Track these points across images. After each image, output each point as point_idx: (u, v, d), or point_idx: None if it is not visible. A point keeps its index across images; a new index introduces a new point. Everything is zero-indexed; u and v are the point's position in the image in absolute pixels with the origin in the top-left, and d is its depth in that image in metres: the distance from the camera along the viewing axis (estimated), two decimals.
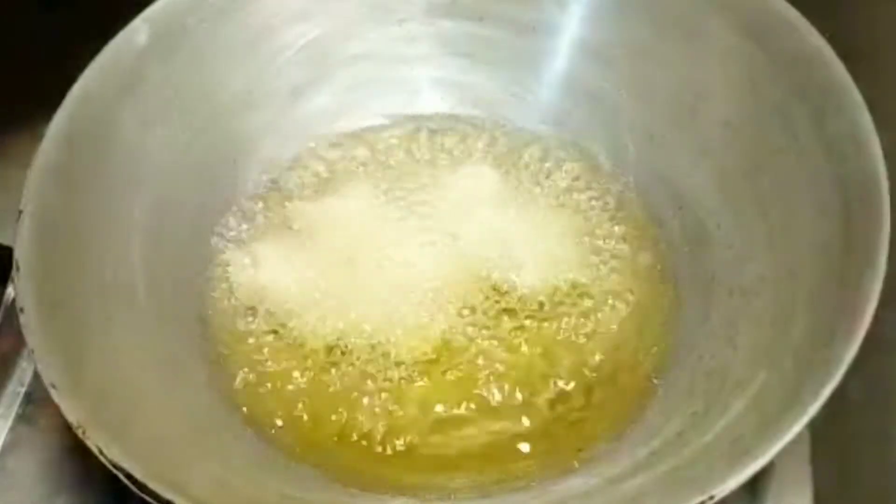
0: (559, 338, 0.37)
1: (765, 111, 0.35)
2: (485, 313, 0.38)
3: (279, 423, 0.35)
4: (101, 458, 0.27)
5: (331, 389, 0.36)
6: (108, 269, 0.34)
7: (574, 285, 0.38)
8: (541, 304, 0.38)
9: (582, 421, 0.35)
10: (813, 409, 0.27)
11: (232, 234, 0.40)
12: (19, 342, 0.40)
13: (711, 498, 0.26)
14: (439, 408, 0.36)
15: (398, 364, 0.36)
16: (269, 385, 0.36)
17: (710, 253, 0.37)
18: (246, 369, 0.37)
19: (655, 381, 0.36)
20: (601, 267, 0.39)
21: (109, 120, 0.35)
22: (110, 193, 0.35)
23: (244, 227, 0.41)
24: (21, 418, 0.39)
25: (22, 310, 0.29)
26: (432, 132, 0.43)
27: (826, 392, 0.27)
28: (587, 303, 0.38)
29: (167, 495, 0.26)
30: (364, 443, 0.35)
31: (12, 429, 0.39)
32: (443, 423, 0.35)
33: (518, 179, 0.42)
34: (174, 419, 0.32)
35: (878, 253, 0.29)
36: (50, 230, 0.32)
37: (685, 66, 0.38)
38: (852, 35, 0.34)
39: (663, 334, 0.37)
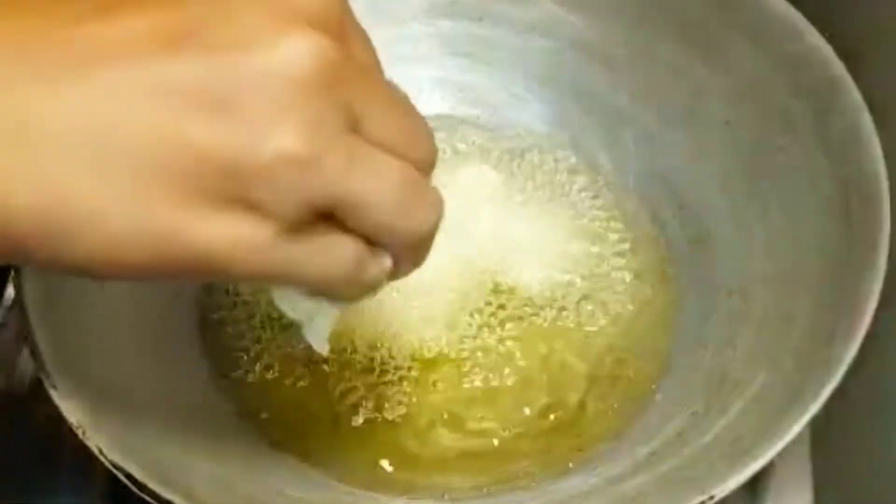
0: (559, 338, 0.37)
1: (765, 111, 0.35)
2: (484, 313, 0.37)
3: (279, 422, 0.35)
4: (101, 459, 0.27)
5: (331, 389, 0.36)
6: None
7: (574, 285, 0.38)
8: (540, 305, 0.38)
9: (581, 421, 0.35)
10: (813, 409, 0.27)
11: None
12: (19, 342, 0.40)
13: (711, 498, 0.26)
14: (438, 408, 0.35)
15: (398, 364, 0.36)
16: (269, 385, 0.36)
17: (710, 253, 0.37)
18: (247, 369, 0.37)
19: (655, 381, 0.36)
20: (601, 267, 0.39)
21: None
22: None
23: None
24: (21, 418, 0.39)
25: (22, 309, 0.29)
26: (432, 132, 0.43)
27: (826, 392, 0.27)
28: (587, 303, 0.38)
29: (167, 495, 0.26)
30: (364, 443, 0.35)
31: (12, 428, 0.39)
32: (442, 423, 0.35)
33: (518, 179, 0.42)
34: (174, 419, 0.32)
35: (878, 253, 0.29)
36: None
37: (685, 66, 0.38)
38: (852, 35, 0.34)
39: (663, 334, 0.37)
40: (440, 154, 0.43)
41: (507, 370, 0.36)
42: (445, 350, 0.37)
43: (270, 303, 0.38)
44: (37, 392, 0.39)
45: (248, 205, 0.20)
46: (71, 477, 0.37)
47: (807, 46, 0.34)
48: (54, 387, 0.28)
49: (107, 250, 0.20)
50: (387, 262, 0.24)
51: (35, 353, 0.29)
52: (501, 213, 0.41)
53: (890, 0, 0.38)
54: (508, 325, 0.37)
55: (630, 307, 0.38)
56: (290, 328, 0.37)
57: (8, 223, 0.19)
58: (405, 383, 0.36)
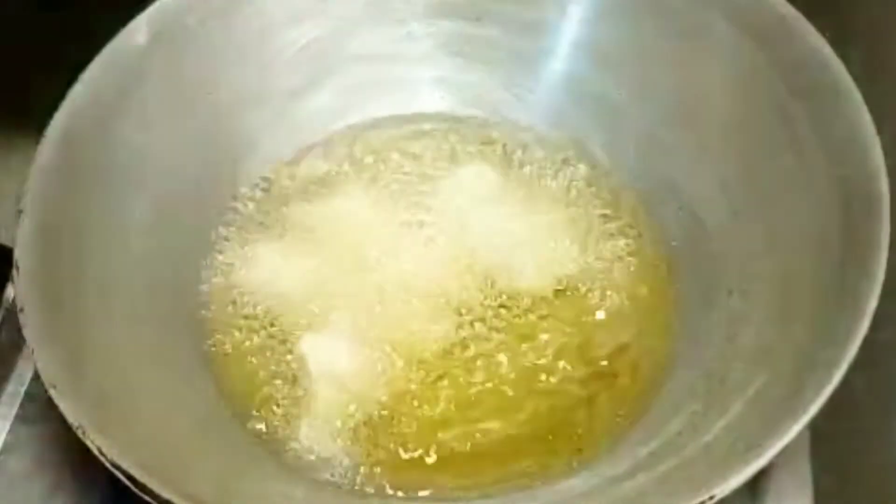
0: (559, 338, 0.37)
1: (765, 111, 0.35)
2: (484, 313, 0.38)
3: (279, 422, 0.35)
4: (101, 458, 0.27)
5: (331, 390, 0.36)
6: (108, 268, 0.34)
7: (574, 285, 0.38)
8: (540, 304, 0.38)
9: (582, 421, 0.35)
10: (813, 409, 0.27)
11: (231, 233, 0.40)
12: (19, 342, 0.40)
13: (711, 498, 0.26)
14: (439, 408, 0.35)
15: (397, 364, 0.36)
16: (269, 385, 0.36)
17: (710, 253, 0.37)
18: (246, 369, 0.37)
19: (655, 381, 0.36)
20: (601, 267, 0.39)
21: (109, 120, 0.35)
22: (110, 193, 0.35)
23: (244, 226, 0.41)
24: (21, 418, 0.39)
25: (22, 310, 0.29)
26: (432, 132, 0.43)
27: (826, 392, 0.27)
28: (587, 303, 0.38)
29: (167, 495, 0.26)
30: (363, 443, 0.35)
31: (12, 429, 0.39)
32: (442, 424, 0.35)
33: (518, 179, 0.42)
34: (174, 419, 0.32)
35: (878, 253, 0.29)
36: (50, 230, 0.32)
37: (685, 66, 0.38)
38: (852, 35, 0.34)
39: (663, 334, 0.37)
40: (440, 154, 0.44)
41: (506, 370, 0.36)
42: (445, 350, 0.37)
43: (270, 304, 0.38)
44: (37, 392, 0.39)
45: None
46: (71, 477, 0.38)
47: (807, 46, 0.34)
48: (54, 386, 0.28)
49: None
50: None
51: (34, 353, 0.29)
52: (501, 212, 0.41)
53: (890, 0, 0.38)
54: (508, 325, 0.37)
55: (630, 307, 0.38)
56: (290, 328, 0.38)
57: None
58: (404, 384, 0.36)
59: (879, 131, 0.31)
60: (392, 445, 0.35)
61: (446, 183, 0.42)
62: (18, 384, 0.40)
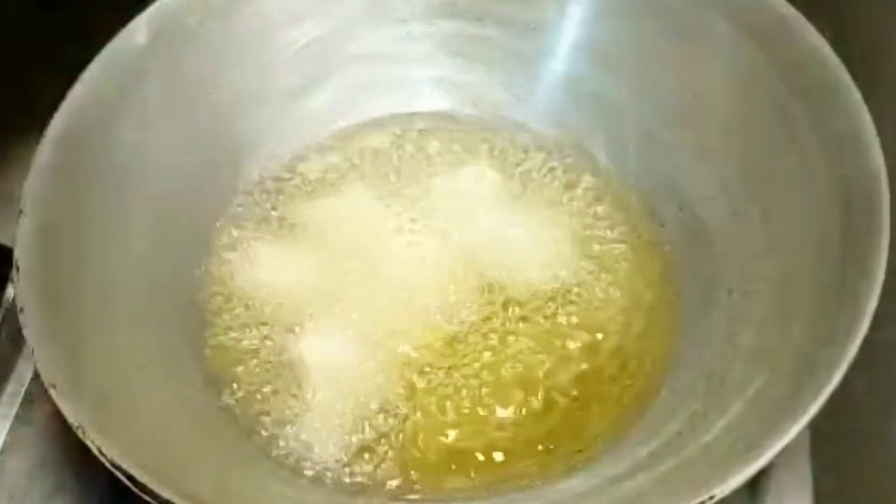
0: (559, 338, 0.37)
1: (765, 111, 0.35)
2: (484, 313, 0.38)
3: (278, 422, 0.35)
4: (101, 458, 0.27)
5: (331, 390, 0.36)
6: (107, 268, 0.34)
7: (574, 285, 0.38)
8: (540, 304, 0.38)
9: (582, 421, 0.35)
10: (813, 409, 0.27)
11: (231, 233, 0.40)
12: (19, 342, 0.40)
13: (711, 498, 0.26)
14: (438, 408, 0.35)
15: (396, 364, 0.36)
16: (269, 385, 0.36)
17: (710, 253, 0.37)
18: (246, 369, 0.37)
19: (655, 381, 0.36)
20: (601, 267, 0.39)
21: (109, 120, 0.35)
22: (110, 193, 0.35)
23: (244, 226, 0.41)
24: (21, 418, 0.39)
25: (22, 310, 0.29)
26: (432, 132, 0.43)
27: (826, 392, 0.27)
28: (587, 303, 0.38)
29: (166, 495, 0.26)
30: (363, 443, 0.35)
31: (12, 429, 0.39)
32: (442, 424, 0.35)
33: (518, 179, 0.42)
34: (174, 419, 0.32)
35: (877, 253, 0.29)
36: (50, 230, 0.32)
37: (685, 66, 0.38)
38: (852, 35, 0.34)
39: (663, 334, 0.37)
40: (440, 154, 0.44)
41: (506, 370, 0.36)
42: (445, 350, 0.37)
43: (270, 303, 0.38)
44: (37, 392, 0.39)
45: None
46: (71, 477, 0.38)
47: (807, 47, 0.34)
48: (54, 386, 0.28)
49: None
50: None
51: (34, 353, 0.29)
52: (501, 212, 0.41)
53: (890, 0, 0.38)
54: (508, 325, 0.37)
55: (630, 307, 0.38)
56: (289, 328, 0.38)
57: None
58: (403, 384, 0.36)
59: (879, 131, 0.31)
60: (391, 446, 0.35)
61: (446, 183, 0.42)
62: (18, 384, 0.40)
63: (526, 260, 0.39)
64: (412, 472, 0.34)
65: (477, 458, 0.35)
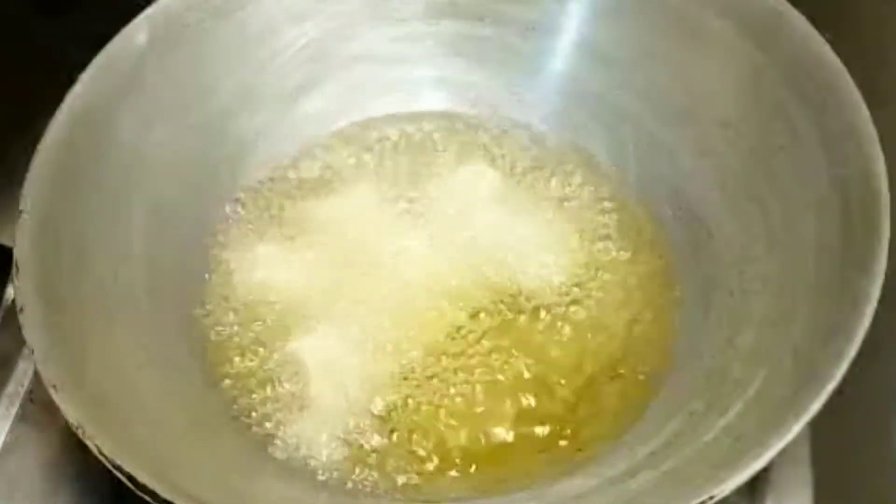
0: (559, 338, 0.37)
1: (765, 111, 0.35)
2: (484, 313, 0.38)
3: (278, 422, 0.35)
4: (101, 458, 0.27)
5: (331, 389, 0.36)
6: (107, 269, 0.34)
7: (574, 285, 0.38)
8: (540, 304, 0.38)
9: (582, 421, 0.35)
10: (813, 408, 0.27)
11: (231, 233, 0.40)
12: (19, 342, 0.40)
13: (711, 498, 0.26)
14: (438, 409, 0.35)
15: (397, 364, 0.36)
16: (268, 384, 0.36)
17: (710, 253, 0.37)
18: (246, 368, 0.37)
19: (655, 381, 0.36)
20: (600, 267, 0.39)
21: (109, 120, 0.35)
22: (110, 193, 0.35)
23: (243, 226, 0.41)
24: (21, 418, 0.39)
25: (22, 310, 0.29)
26: (432, 132, 0.43)
27: (826, 392, 0.27)
28: (587, 302, 0.38)
29: (166, 495, 0.26)
30: (363, 443, 0.35)
31: (12, 429, 0.39)
32: (441, 424, 0.35)
33: (518, 179, 0.42)
34: (174, 419, 0.32)
35: (877, 253, 0.29)
36: (50, 230, 0.32)
37: (685, 66, 0.38)
38: (853, 35, 0.34)
39: (663, 334, 0.37)
40: (440, 154, 0.44)
41: (506, 369, 0.36)
42: (445, 350, 0.37)
43: (270, 303, 0.38)
44: (37, 392, 0.39)
45: None
46: (71, 477, 0.38)
47: (807, 46, 0.34)
48: (54, 386, 0.28)
49: None
50: None
51: (35, 353, 0.29)
52: (501, 212, 0.41)
53: (891, 0, 0.38)
54: (508, 325, 0.37)
55: (630, 307, 0.38)
56: (289, 328, 0.38)
57: None
58: (403, 384, 0.36)
59: (879, 131, 0.31)
60: (391, 446, 0.35)
61: (446, 183, 0.42)
62: (18, 384, 0.40)
63: (526, 260, 0.39)
64: (412, 472, 0.34)
65: (477, 457, 0.35)
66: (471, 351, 0.37)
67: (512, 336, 0.37)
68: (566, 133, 0.42)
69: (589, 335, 0.37)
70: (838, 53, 0.33)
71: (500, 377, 0.36)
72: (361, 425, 0.35)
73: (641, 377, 0.36)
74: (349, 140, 0.43)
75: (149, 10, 0.37)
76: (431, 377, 0.36)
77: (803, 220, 0.33)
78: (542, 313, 0.38)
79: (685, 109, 0.39)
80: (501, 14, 0.42)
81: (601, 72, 0.41)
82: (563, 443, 0.35)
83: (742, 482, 0.26)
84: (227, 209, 0.41)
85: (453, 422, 0.35)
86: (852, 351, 0.27)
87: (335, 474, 0.34)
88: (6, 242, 0.32)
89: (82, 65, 0.35)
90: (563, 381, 0.36)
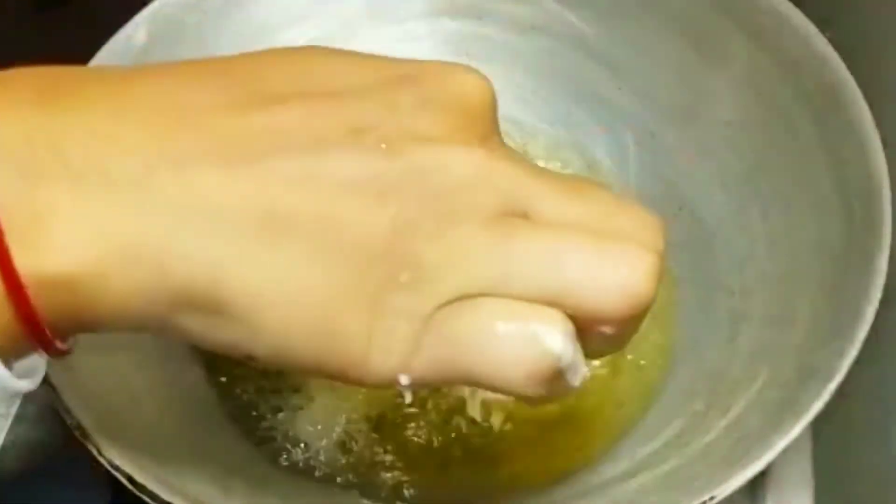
0: None
1: (765, 111, 0.35)
2: None
3: (278, 422, 0.35)
4: (101, 459, 0.27)
5: (331, 389, 0.36)
6: None
7: None
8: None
9: (581, 420, 0.35)
10: (814, 409, 0.27)
11: None
12: None
13: (712, 498, 0.26)
14: (438, 408, 0.35)
15: None
16: (268, 384, 0.36)
17: (710, 253, 0.37)
18: (245, 368, 0.37)
19: (655, 380, 0.36)
20: None
21: None
22: None
23: None
24: (20, 418, 0.39)
25: None
26: None
27: (827, 392, 0.27)
28: None
29: (166, 495, 0.26)
30: (363, 443, 0.35)
31: (11, 429, 0.39)
32: (441, 424, 0.35)
33: None
34: (174, 420, 0.32)
35: (878, 253, 0.29)
36: None
37: (685, 66, 0.38)
38: (853, 35, 0.34)
39: (663, 334, 0.37)
40: None
41: None
42: None
43: None
44: (36, 392, 0.39)
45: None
46: (71, 477, 0.37)
47: (808, 46, 0.34)
48: (53, 387, 0.28)
49: (267, 333, 0.20)
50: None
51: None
52: None
53: (891, 0, 0.38)
54: None
55: None
56: None
57: (168, 290, 0.19)
58: None
59: (880, 131, 0.31)
60: (391, 446, 0.35)
61: None
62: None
63: None
64: (412, 473, 0.34)
65: (476, 457, 0.35)
66: None
67: None
68: (566, 133, 0.42)
69: None
70: (839, 53, 0.33)
71: None
72: (361, 425, 0.35)
73: (641, 377, 0.36)
74: None
75: (147, 10, 0.37)
76: None
77: (803, 220, 0.33)
78: None
79: (685, 109, 0.39)
80: (501, 14, 0.42)
81: (601, 72, 0.41)
82: (562, 442, 0.35)
83: (743, 482, 0.26)
84: None
85: (452, 422, 0.35)
86: (853, 351, 0.27)
87: (336, 474, 0.34)
88: None
89: (81, 63, 0.35)
90: None
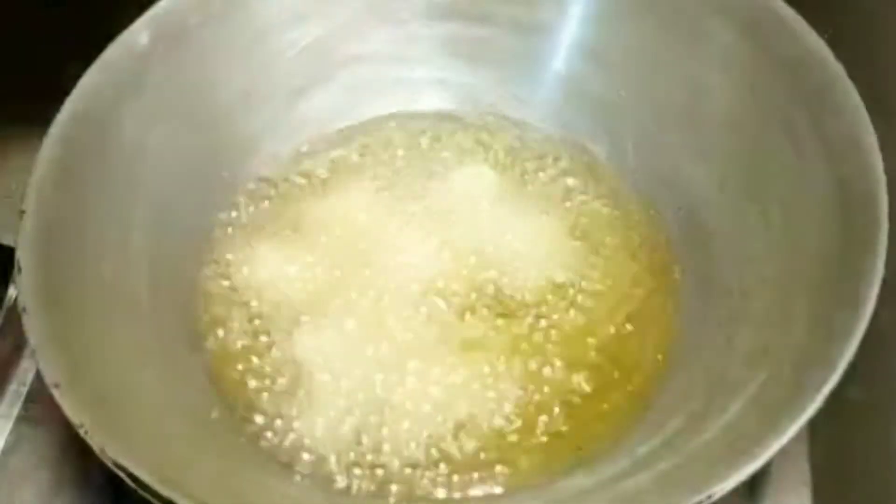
0: (558, 337, 0.37)
1: (764, 111, 0.35)
2: (483, 312, 0.38)
3: (278, 421, 0.35)
4: (103, 458, 0.27)
5: (330, 390, 0.36)
6: (108, 268, 0.34)
7: (573, 285, 0.38)
8: (540, 304, 0.38)
9: (582, 420, 0.35)
10: (812, 408, 0.27)
11: (231, 233, 0.40)
12: (21, 342, 0.40)
13: (710, 497, 0.26)
14: (438, 408, 0.36)
15: (396, 364, 0.36)
16: (268, 384, 0.36)
17: (710, 253, 0.37)
18: (246, 368, 0.37)
19: (655, 380, 0.36)
20: (600, 267, 0.39)
21: (110, 120, 0.36)
22: (111, 193, 0.35)
23: (243, 226, 0.41)
24: (23, 418, 0.39)
25: (24, 309, 0.29)
26: (432, 132, 0.44)
27: (825, 391, 0.27)
28: (586, 302, 0.38)
29: (168, 494, 0.26)
30: (362, 443, 0.35)
31: (14, 428, 0.39)
32: (441, 424, 0.35)
33: (517, 179, 0.42)
34: (175, 418, 0.32)
35: (876, 253, 0.29)
36: (51, 230, 0.32)
37: (685, 66, 0.38)
38: (852, 35, 0.34)
39: (663, 334, 0.37)
40: (440, 154, 0.44)
41: (505, 370, 0.36)
42: (444, 349, 0.37)
43: (270, 303, 0.38)
44: (39, 391, 0.40)
45: None
46: (72, 476, 0.38)
47: (806, 47, 0.34)
48: (56, 386, 0.28)
49: None
50: None
51: (36, 353, 0.29)
52: (501, 213, 0.41)
53: (890, 0, 0.38)
54: (507, 325, 0.37)
55: (629, 307, 0.38)
56: (289, 328, 0.38)
57: None
58: (403, 383, 0.36)
59: (879, 131, 0.31)
60: (391, 446, 0.35)
61: (446, 183, 0.42)
62: (20, 384, 0.40)
63: (526, 260, 0.39)
64: (412, 473, 0.34)
65: (476, 457, 0.35)
66: (469, 351, 0.37)
67: (510, 336, 0.37)
68: (566, 133, 0.43)
69: (588, 335, 0.37)
70: (837, 54, 0.33)
71: (499, 377, 0.36)
72: (361, 425, 0.35)
73: (641, 377, 0.36)
74: (349, 140, 0.43)
75: (150, 12, 0.37)
76: (431, 377, 0.36)
77: (803, 220, 0.33)
78: (541, 313, 0.38)
79: (685, 109, 0.39)
80: (501, 14, 0.42)
81: (601, 72, 0.41)
82: (562, 442, 0.35)
83: (741, 481, 0.26)
84: (228, 209, 0.41)
85: (451, 422, 0.35)
86: (851, 350, 0.27)
87: (336, 474, 0.34)
88: (8, 242, 0.32)
89: (84, 65, 0.35)
90: (562, 381, 0.36)
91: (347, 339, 0.37)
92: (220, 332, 0.38)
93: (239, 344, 0.37)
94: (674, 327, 0.37)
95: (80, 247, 0.33)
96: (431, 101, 0.44)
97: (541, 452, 0.34)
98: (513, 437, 0.35)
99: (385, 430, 0.35)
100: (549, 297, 0.38)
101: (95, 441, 0.27)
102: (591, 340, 0.37)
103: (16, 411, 0.39)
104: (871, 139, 0.31)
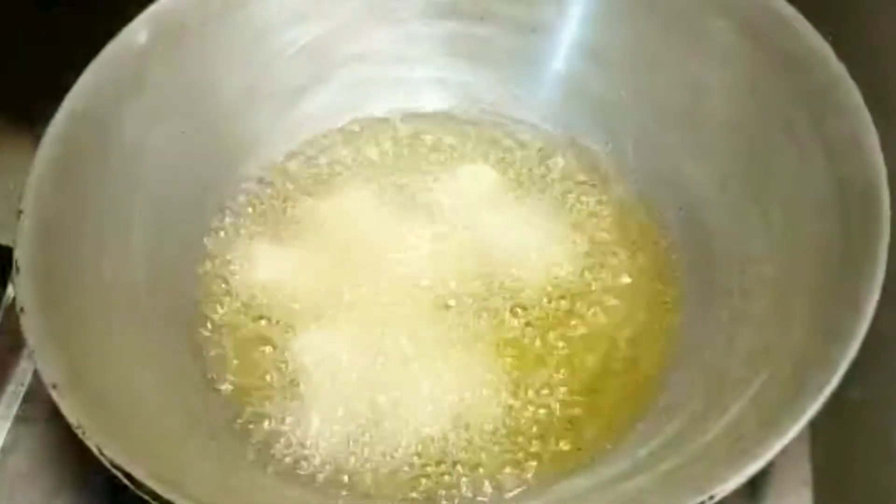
0: (558, 337, 0.37)
1: (765, 111, 0.35)
2: (483, 312, 0.38)
3: (277, 421, 0.35)
4: (101, 458, 0.27)
5: (329, 390, 0.36)
6: (107, 268, 0.34)
7: (573, 285, 0.38)
8: (540, 304, 0.38)
9: (582, 421, 0.35)
10: (813, 408, 0.27)
11: (231, 233, 0.40)
12: (19, 342, 0.40)
13: (711, 498, 0.26)
14: (437, 408, 0.35)
15: (396, 364, 0.36)
16: (268, 384, 0.36)
17: (710, 253, 0.37)
18: (245, 368, 0.37)
19: (655, 381, 0.36)
20: (601, 267, 0.39)
21: (109, 120, 0.35)
22: (110, 193, 0.35)
23: (243, 226, 0.41)
24: (21, 418, 0.39)
25: (22, 310, 0.29)
26: (432, 132, 0.43)
27: (826, 392, 0.27)
28: (586, 302, 0.38)
29: (166, 494, 0.26)
30: (363, 443, 0.35)
31: (12, 428, 0.39)
32: (441, 423, 0.35)
33: (517, 179, 0.42)
34: (173, 419, 0.32)
35: (877, 253, 0.29)
36: (50, 230, 0.32)
37: (685, 66, 0.38)
38: (852, 35, 0.34)
39: (663, 334, 0.37)
40: (440, 154, 0.44)
41: (505, 370, 0.36)
42: (444, 349, 0.37)
43: (270, 302, 0.38)
44: (37, 391, 0.40)
45: None
46: (71, 477, 0.38)
47: (807, 47, 0.34)
48: (54, 386, 0.28)
49: None
50: None
51: (35, 353, 0.29)
52: (501, 212, 0.41)
53: (890, 0, 0.38)
54: (507, 325, 0.37)
55: (629, 307, 0.38)
56: (289, 327, 0.38)
57: None
58: (403, 383, 0.36)
59: (879, 131, 0.31)
60: (391, 446, 0.35)
61: (446, 183, 0.42)
62: (19, 384, 0.40)
63: (525, 259, 0.39)
64: (412, 473, 0.34)
65: (476, 458, 0.35)
66: (469, 351, 0.37)
67: (510, 336, 0.37)
68: (566, 133, 0.42)
69: (588, 335, 0.37)
70: (838, 53, 0.33)
71: (499, 377, 0.36)
72: (360, 424, 0.35)
73: (641, 377, 0.36)
74: (349, 139, 0.43)
75: (149, 11, 0.37)
76: (430, 377, 0.36)
77: (803, 220, 0.33)
78: (542, 313, 0.38)
79: (685, 109, 0.39)
80: (501, 14, 0.42)
81: (601, 72, 0.41)
82: (563, 442, 0.35)
83: (742, 482, 0.26)
84: (228, 209, 0.41)
85: (452, 422, 0.35)
86: (852, 351, 0.27)
87: (335, 474, 0.34)
88: (6, 242, 0.32)
89: (83, 64, 0.35)
90: (561, 381, 0.36)
91: (346, 339, 0.37)
92: (220, 332, 0.38)
93: (238, 343, 0.37)
94: (674, 327, 0.37)
95: (78, 247, 0.33)
96: (431, 100, 0.44)
97: (541, 453, 0.34)
98: (513, 438, 0.35)
99: (385, 431, 0.35)
100: (550, 296, 0.38)
101: (93, 441, 0.27)
102: (590, 340, 0.37)
103: (14, 412, 0.39)
104: (872, 139, 0.31)
